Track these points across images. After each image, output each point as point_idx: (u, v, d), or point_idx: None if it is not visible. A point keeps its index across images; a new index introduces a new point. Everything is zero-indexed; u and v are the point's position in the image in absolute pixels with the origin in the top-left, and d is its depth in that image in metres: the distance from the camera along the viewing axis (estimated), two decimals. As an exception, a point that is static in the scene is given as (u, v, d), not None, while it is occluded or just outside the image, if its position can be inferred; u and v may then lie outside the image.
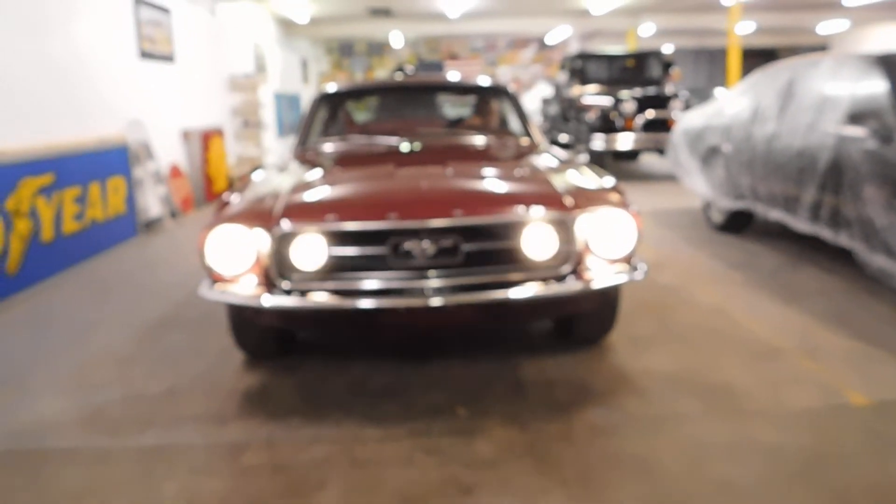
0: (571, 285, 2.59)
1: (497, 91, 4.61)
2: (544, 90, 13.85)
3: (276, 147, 12.52)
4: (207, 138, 8.41)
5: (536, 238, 2.59)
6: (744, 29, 13.89)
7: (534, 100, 13.92)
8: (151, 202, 6.81)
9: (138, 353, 3.48)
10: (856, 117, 4.01)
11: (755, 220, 5.51)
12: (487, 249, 2.60)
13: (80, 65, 5.77)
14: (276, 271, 2.58)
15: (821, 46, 20.86)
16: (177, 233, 6.79)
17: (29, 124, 4.94)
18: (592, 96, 9.83)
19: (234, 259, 2.62)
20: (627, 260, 2.76)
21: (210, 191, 8.51)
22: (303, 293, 2.56)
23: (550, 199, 2.66)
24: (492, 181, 3.00)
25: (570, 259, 2.63)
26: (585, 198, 2.70)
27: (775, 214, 4.80)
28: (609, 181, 3.05)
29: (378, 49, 18.17)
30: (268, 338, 3.10)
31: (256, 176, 3.41)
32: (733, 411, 2.66)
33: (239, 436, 2.59)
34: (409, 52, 18.23)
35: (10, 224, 4.44)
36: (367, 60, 18.32)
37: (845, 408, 2.66)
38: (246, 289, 2.61)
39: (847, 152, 3.95)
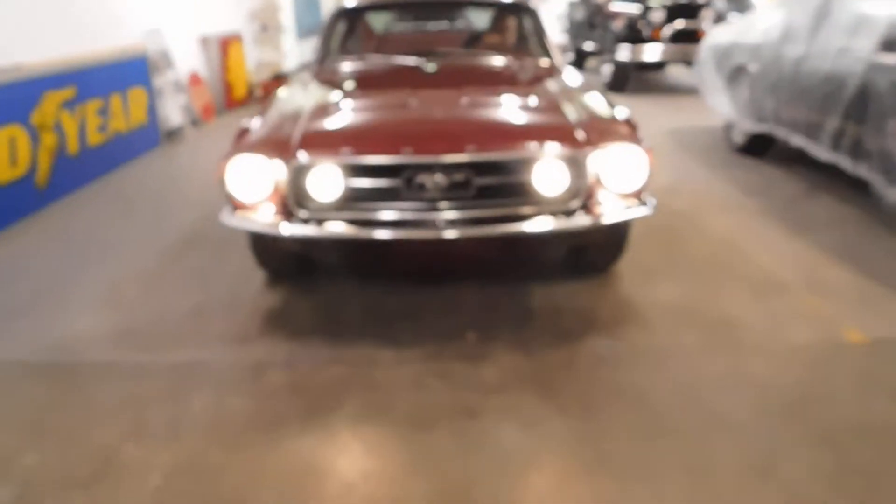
0: (581, 220, 2.66)
1: (518, 7, 4.49)
2: (572, -6, 13.27)
3: (295, 50, 12.30)
4: (226, 44, 8.30)
5: (548, 174, 2.63)
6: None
7: (559, 3, 13.38)
8: (172, 111, 6.84)
9: (164, 270, 3.64)
10: (891, 44, 3.87)
11: (776, 144, 5.44)
12: (499, 184, 2.65)
13: (95, -29, 5.66)
14: (293, 201, 2.66)
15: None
16: (198, 142, 6.86)
17: (48, 38, 4.92)
18: (620, 3, 9.46)
19: (253, 187, 2.70)
20: (638, 195, 2.80)
21: (230, 98, 8.49)
22: (319, 222, 2.65)
23: (563, 134, 2.68)
24: (505, 113, 3.00)
25: (581, 194, 2.68)
26: (598, 133, 2.71)
27: (796, 140, 4.73)
28: (622, 112, 3.04)
29: (400, -55, 17.39)
30: (287, 260, 3.23)
31: (277, 97, 3.44)
32: (732, 345, 2.77)
33: (261, 355, 2.76)
34: (433, -52, 17.43)
35: (37, 138, 4.53)
36: (389, -43, 17.58)
37: (841, 345, 2.76)
38: (265, 217, 2.71)
39: (876, 81, 3.85)
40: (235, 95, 8.63)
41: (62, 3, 5.18)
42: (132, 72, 5.96)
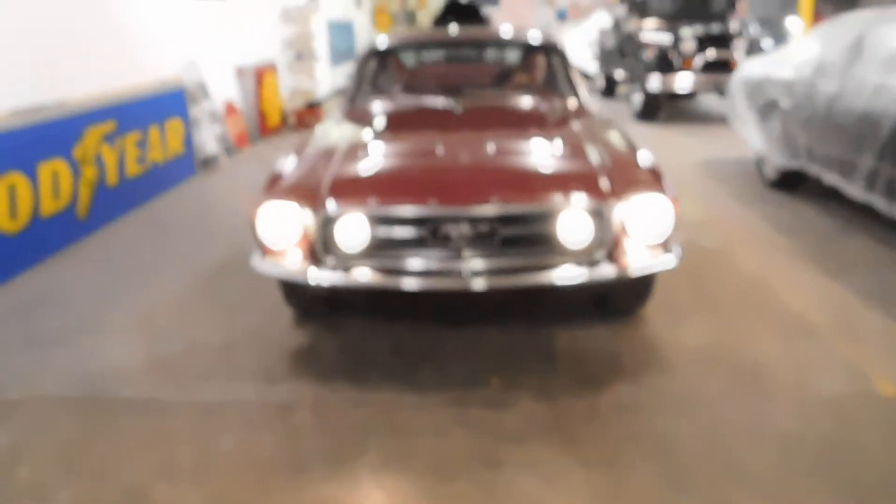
0: (606, 271, 2.67)
1: (547, 48, 4.54)
2: (602, 20, 13.32)
3: (328, 77, 12.54)
4: (261, 74, 8.51)
5: (572, 225, 2.66)
6: (823, -47, 12.96)
7: (591, 30, 13.43)
8: (208, 140, 7.02)
9: (197, 301, 3.74)
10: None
11: (808, 179, 5.37)
12: (524, 234, 2.68)
13: (135, 10, 5.88)
14: (321, 248, 2.73)
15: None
16: (233, 170, 7.02)
17: (90, 74, 5.12)
18: (651, 33, 9.46)
19: (282, 233, 2.78)
20: (664, 244, 2.80)
21: (264, 126, 8.68)
22: (346, 269, 2.71)
23: (587, 186, 2.70)
24: (530, 163, 3.03)
25: (606, 244, 2.69)
26: (623, 183, 2.73)
27: (830, 178, 4.68)
28: (647, 158, 3.05)
29: (433, -28, 17.67)
30: (315, 300, 3.30)
31: (311, 136, 3.54)
32: (759, 394, 2.73)
33: (288, 395, 2.82)
34: (465, -26, 17.66)
35: (79, 172, 4.69)
36: (422, -17, 17.87)
37: (872, 396, 2.71)
38: (293, 263, 2.77)
39: (911, 122, 3.80)
40: (269, 123, 8.82)
41: (105, 39, 5.39)
42: (170, 104, 6.15)
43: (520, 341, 3.20)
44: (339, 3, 13.79)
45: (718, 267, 4.03)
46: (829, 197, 5.10)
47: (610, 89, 11.81)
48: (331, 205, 2.69)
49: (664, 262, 2.78)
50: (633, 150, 3.18)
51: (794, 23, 15.45)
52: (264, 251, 2.86)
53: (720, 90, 8.87)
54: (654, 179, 2.82)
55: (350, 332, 3.34)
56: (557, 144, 3.16)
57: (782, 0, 20.86)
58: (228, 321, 3.48)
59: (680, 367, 2.95)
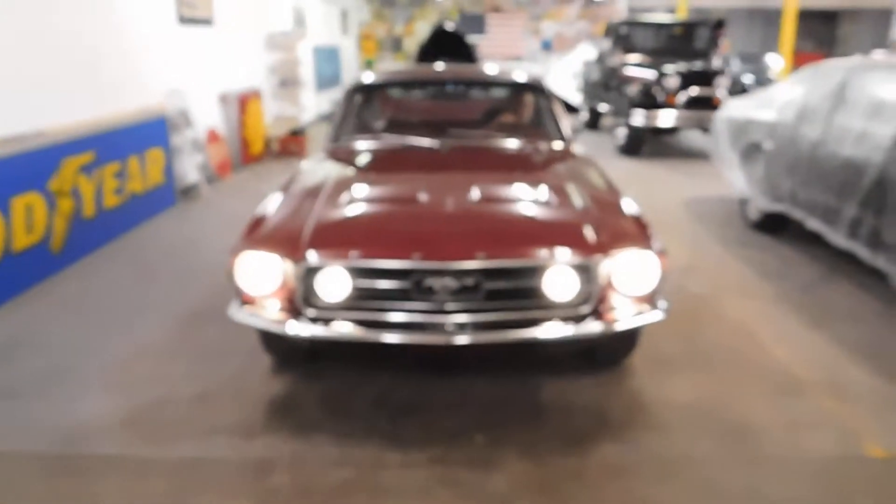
0: (592, 327, 2.62)
1: (533, 88, 4.53)
2: (587, 52, 13.47)
3: (314, 103, 12.51)
4: (245, 101, 8.45)
5: (559, 280, 2.61)
6: (802, -8, 13.20)
7: (575, 62, 13.57)
8: (189, 169, 6.92)
9: (174, 347, 3.62)
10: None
11: (792, 222, 5.39)
12: (509, 288, 2.63)
13: (118, 37, 5.80)
14: (301, 299, 2.65)
15: (885, 10, 19.81)
16: (213, 199, 6.91)
17: (69, 103, 5.02)
18: (635, 68, 9.56)
19: (261, 283, 2.70)
20: (650, 298, 2.76)
21: (246, 153, 8.60)
22: (327, 322, 2.64)
23: (574, 240, 2.66)
24: (516, 214, 2.98)
25: (592, 299, 2.65)
26: (610, 237, 2.70)
27: (813, 224, 4.69)
28: (632, 208, 3.03)
29: (420, 0, 17.82)
30: (294, 348, 3.20)
31: (295, 176, 3.47)
32: (748, 456, 2.68)
33: (266, 452, 2.71)
34: (452, 3, 17.84)
35: (54, 204, 4.58)
36: (409, 11, 17.99)
37: (861, 460, 2.67)
38: (272, 313, 2.69)
39: None
40: (252, 151, 8.74)
41: (86, 67, 5.29)
42: (151, 133, 6.06)
43: (506, 393, 3.13)
44: (325, 29, 13.83)
45: (704, 314, 4.00)
46: (813, 241, 5.11)
47: (594, 122, 11.90)
48: (312, 256, 2.62)
49: (651, 316, 2.74)
50: (618, 199, 3.16)
51: (773, 59, 15.77)
52: (243, 300, 2.78)
53: (703, 126, 8.98)
54: (641, 233, 2.79)
55: (331, 380, 3.25)
56: (543, 193, 3.11)
57: (762, 37, 21.35)
58: (206, 368, 3.37)
59: (668, 424, 2.89)
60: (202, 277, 4.55)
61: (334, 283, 2.62)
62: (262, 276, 2.69)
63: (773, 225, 5.51)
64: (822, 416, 2.96)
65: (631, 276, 2.68)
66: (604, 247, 2.64)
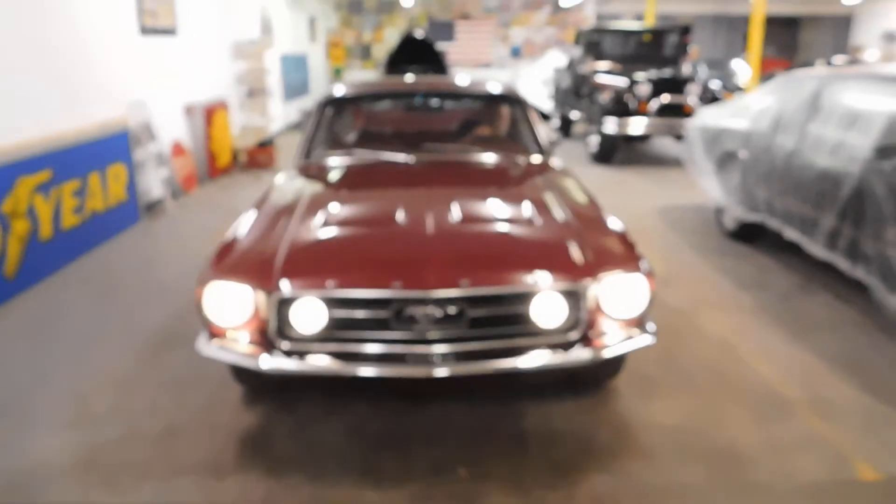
0: (580, 354, 2.52)
1: (509, 99, 4.44)
2: (557, 58, 13.49)
3: (282, 113, 12.30)
4: (211, 112, 8.23)
5: (546, 306, 2.50)
6: (766, -1, 13.19)
7: (545, 68, 13.57)
8: (153, 184, 6.69)
9: (137, 377, 3.43)
10: (889, 149, 3.80)
11: (768, 231, 5.38)
12: (494, 315, 2.51)
13: (77, 49, 5.57)
14: (274, 331, 2.50)
15: (844, 17, 20.25)
16: (179, 215, 6.69)
17: (24, 118, 4.79)
18: (606, 76, 9.56)
19: (231, 314, 2.55)
20: (639, 321, 2.68)
21: (213, 166, 8.38)
22: (302, 355, 2.49)
23: (561, 265, 2.56)
24: (500, 237, 2.85)
25: (580, 325, 2.55)
26: (598, 261, 2.60)
27: (790, 234, 4.67)
28: (616, 224, 2.95)
29: (388, 7, 17.66)
30: (266, 379, 3.05)
31: (266, 196, 3.34)
32: (738, 483, 2.60)
33: (236, 494, 2.55)
34: (421, 9, 17.73)
35: (8, 226, 4.35)
36: (377, 18, 17.83)
37: (853, 484, 2.61)
38: (243, 347, 2.54)
39: (874, 184, 3.79)
40: (219, 164, 8.52)
41: (40, 80, 5.06)
42: (112, 148, 5.83)
43: (487, 420, 3.01)
44: (292, 37, 13.62)
45: (685, 331, 3.93)
46: (789, 250, 5.10)
47: (565, 129, 11.89)
48: (285, 286, 2.47)
49: (640, 341, 2.65)
50: (603, 216, 3.07)
51: (739, 65, 15.97)
52: (211, 332, 2.62)
53: (675, 134, 9.00)
54: (629, 254, 2.70)
55: (305, 412, 3.09)
56: (526, 211, 3.00)
57: (726, 43, 21.65)
58: (171, 399, 3.20)
59: (656, 451, 2.80)
60: (167, 299, 4.36)
61: (309, 314, 2.48)
62: (232, 307, 2.53)
63: (750, 234, 5.50)
64: (810, 437, 2.90)
65: (619, 300, 2.58)
66: (592, 270, 2.54)
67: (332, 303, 2.47)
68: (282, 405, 3.13)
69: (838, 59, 15.64)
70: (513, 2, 17.78)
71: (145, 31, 6.78)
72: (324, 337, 2.50)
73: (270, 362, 2.48)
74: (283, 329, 2.51)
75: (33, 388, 3.33)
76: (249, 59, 9.95)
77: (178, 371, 3.46)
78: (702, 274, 4.92)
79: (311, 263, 2.61)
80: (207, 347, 2.58)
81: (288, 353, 2.50)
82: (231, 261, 2.65)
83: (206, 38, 8.59)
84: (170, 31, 7.39)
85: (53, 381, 3.38)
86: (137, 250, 5.58)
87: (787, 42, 22.45)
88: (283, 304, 2.48)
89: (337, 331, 2.51)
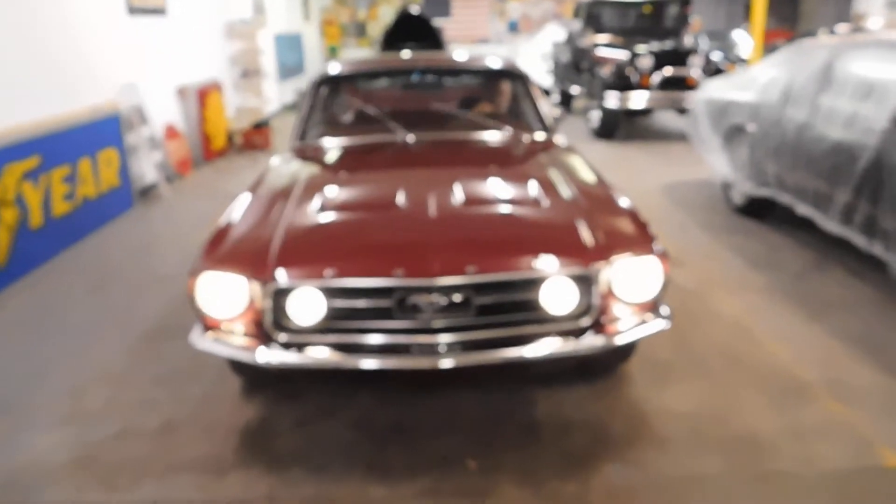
0: (593, 341, 2.40)
1: (510, 74, 4.28)
2: (556, 33, 13.23)
3: (277, 94, 12.09)
4: (204, 94, 8.04)
5: (556, 292, 2.38)
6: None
7: (544, 43, 13.32)
8: (147, 169, 6.54)
9: (133, 371, 3.32)
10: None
11: (778, 206, 5.24)
12: (502, 303, 2.39)
13: (62, 31, 5.39)
14: (271, 323, 2.38)
15: (847, -16, 19.86)
16: (174, 200, 6.55)
17: (10, 104, 4.63)
18: (607, 49, 9.35)
19: (226, 306, 2.42)
20: (653, 305, 2.56)
21: (208, 149, 8.21)
22: (300, 347, 2.38)
23: (572, 247, 2.43)
24: (507, 217, 2.71)
25: (592, 310, 2.42)
26: (610, 243, 2.47)
27: (803, 209, 4.54)
28: (626, 203, 2.83)
29: (383, -18, 17.34)
30: (265, 370, 2.94)
31: (261, 180, 3.21)
32: (758, 472, 2.50)
33: (237, 492, 2.45)
34: (415, -15, 17.39)
35: (-4, 215, 4.22)
36: (372, -6, 17.51)
37: (878, 471, 2.51)
38: (239, 339, 2.42)
39: (893, 157, 3.65)
40: (214, 146, 8.35)
41: (26, 63, 4.90)
42: (103, 132, 5.67)
43: (497, 409, 2.91)
44: (286, 16, 13.35)
45: (697, 312, 3.81)
46: (800, 225, 4.97)
47: (566, 104, 11.69)
48: (281, 276, 2.35)
49: (654, 326, 2.53)
50: (612, 195, 2.94)
51: (740, 36, 15.70)
52: (206, 324, 2.50)
53: (678, 107, 8.82)
54: (642, 235, 2.57)
55: (307, 403, 2.98)
56: (532, 192, 2.86)
57: (726, 14, 21.30)
58: (169, 393, 3.09)
59: (672, 439, 2.70)
60: (162, 287, 4.24)
61: (307, 304, 2.36)
62: (226, 298, 2.41)
63: (759, 209, 5.36)
64: (831, 422, 2.79)
65: (633, 283, 2.46)
66: (604, 253, 2.41)
67: (331, 292, 2.34)
68: (283, 397, 3.03)
69: (841, 27, 15.34)
70: (510, -25, 17.45)
71: (133, 11, 6.58)
72: (323, 328, 2.38)
73: (267, 355, 2.37)
74: (280, 320, 2.39)
75: (27, 382, 3.22)
76: (243, 39, 9.74)
77: (175, 363, 3.35)
78: (711, 252, 4.79)
79: (308, 251, 2.48)
80: (202, 340, 2.46)
81: (286, 346, 2.38)
82: (224, 250, 2.52)
83: (198, 17, 8.37)
84: (159, 11, 7.19)
85: (47, 376, 3.28)
86: (132, 237, 5.44)
87: (788, 12, 22.05)
88: (280, 294, 2.35)
89: (337, 321, 2.39)
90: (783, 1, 21.24)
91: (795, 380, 3.11)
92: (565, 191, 2.90)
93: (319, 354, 2.36)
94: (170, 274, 4.43)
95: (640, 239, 2.54)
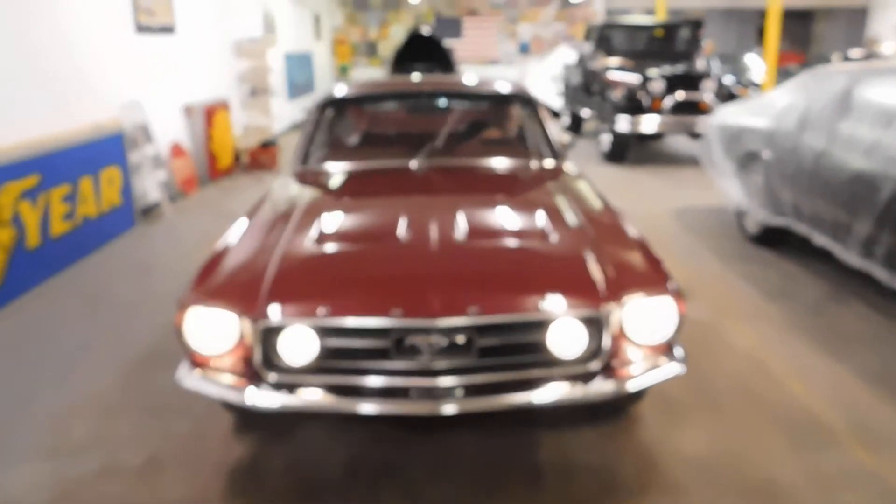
0: (602, 387, 2.25)
1: (519, 99, 4.17)
2: (567, 55, 13.18)
3: (286, 112, 12.07)
4: (211, 113, 7.99)
5: (564, 334, 2.24)
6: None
7: (554, 65, 13.27)
8: (150, 187, 6.46)
9: (122, 400, 3.19)
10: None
11: (793, 235, 5.08)
12: (506, 344, 2.25)
13: (68, 48, 5.34)
14: (261, 362, 2.25)
15: (859, 9, 19.82)
16: (177, 219, 6.46)
17: (10, 120, 4.56)
18: (619, 72, 9.26)
19: (214, 341, 2.29)
20: (667, 347, 2.41)
21: (214, 167, 8.15)
22: (291, 388, 2.24)
23: (582, 287, 2.29)
24: (513, 252, 2.57)
25: (602, 354, 2.28)
26: (621, 280, 2.33)
27: (820, 240, 4.38)
28: (638, 237, 2.70)
29: (394, 3, 17.39)
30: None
31: (259, 206, 3.10)
32: (780, 527, 2.34)
33: (222, 539, 2.31)
34: (427, 6, 17.44)
35: (-9, 236, 4.12)
36: (383, 15, 17.56)
37: (910, 528, 2.34)
38: (228, 378, 2.29)
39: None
40: (220, 165, 8.28)
41: (30, 81, 4.84)
42: (106, 150, 5.60)
43: (499, 451, 2.75)
44: (296, 35, 13.38)
45: (711, 345, 3.66)
46: (816, 255, 4.81)
47: (576, 127, 11.60)
48: (273, 312, 2.22)
49: (669, 370, 2.38)
50: (624, 229, 2.80)
51: (752, 59, 15.59)
52: (193, 360, 2.37)
53: (690, 132, 8.70)
54: (655, 272, 2.43)
55: (299, 443, 2.84)
56: (540, 225, 2.72)
57: (738, 37, 21.23)
58: (156, 426, 2.96)
59: (685, 486, 2.54)
60: (158, 312, 4.12)
61: (299, 343, 2.22)
62: (215, 334, 2.28)
63: (774, 238, 5.20)
64: (855, 470, 2.62)
65: (646, 324, 2.31)
66: (615, 292, 2.27)
67: (325, 331, 2.21)
68: (273, 434, 2.88)
69: (855, 52, 15.22)
70: (521, -3, 17.47)
71: (141, 29, 6.54)
72: (316, 368, 2.25)
73: (256, 397, 2.23)
74: (271, 359, 2.26)
75: (11, 412, 3.10)
76: (252, 57, 9.71)
77: (165, 394, 3.20)
78: (724, 281, 4.64)
79: (302, 287, 2.34)
80: (188, 378, 2.33)
81: (277, 386, 2.25)
82: (214, 283, 2.39)
83: (207, 36, 8.35)
84: (168, 29, 7.15)
85: (32, 405, 3.15)
86: (131, 258, 5.34)
87: (800, 36, 21.99)
88: (271, 332, 2.22)
89: (330, 361, 2.25)
90: (795, 24, 21.19)
91: (816, 422, 2.94)
92: (574, 223, 2.76)
93: (312, 397, 2.22)
94: (167, 297, 4.27)
95: (654, 277, 2.40)
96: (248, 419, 2.93)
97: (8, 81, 4.59)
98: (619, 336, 2.30)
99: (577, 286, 2.29)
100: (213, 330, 2.27)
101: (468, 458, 2.71)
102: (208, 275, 2.44)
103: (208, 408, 3.02)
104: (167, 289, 4.46)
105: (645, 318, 2.31)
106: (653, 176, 8.36)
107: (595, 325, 2.24)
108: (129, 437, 2.89)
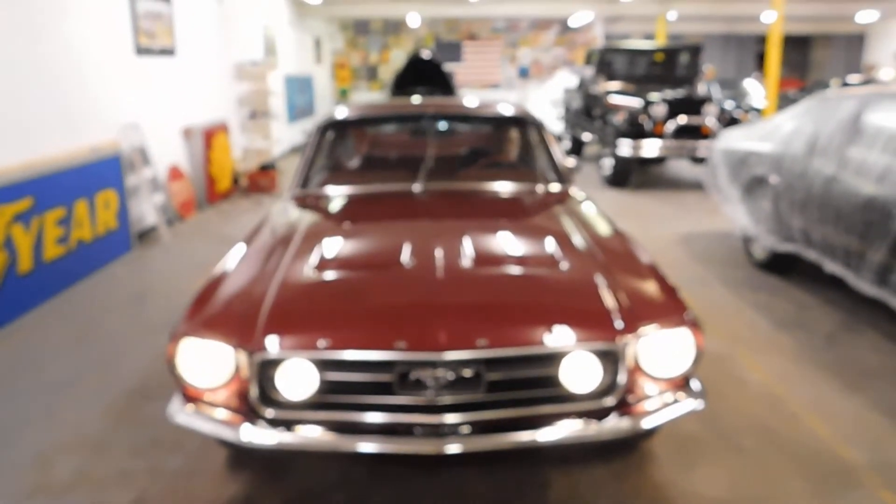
0: (617, 425, 2.13)
1: (524, 122, 4.08)
2: (567, 79, 13.19)
3: (286, 135, 12.02)
4: (210, 135, 7.92)
5: (576, 368, 2.12)
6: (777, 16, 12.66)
7: (555, 89, 13.27)
8: (147, 211, 6.36)
9: (109, 437, 3.04)
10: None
11: (801, 261, 4.98)
12: (516, 378, 2.12)
13: (68, 69, 5.27)
14: (257, 397, 2.12)
15: (857, 35, 19.96)
16: (174, 244, 6.34)
17: (5, 142, 4.46)
18: (620, 96, 9.22)
19: (208, 376, 2.17)
20: (684, 381, 2.29)
21: (212, 191, 8.05)
22: (289, 425, 2.11)
23: (596, 318, 2.17)
24: (521, 281, 2.45)
25: (617, 389, 2.16)
26: (636, 311, 2.21)
27: (831, 267, 4.28)
28: (652, 265, 2.59)
29: (395, 27, 17.45)
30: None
31: (257, 232, 2.99)
32: (807, 576, 2.20)
33: (212, 588, 2.16)
34: (427, 30, 17.51)
35: (-20, 261, 4.01)
36: (383, 39, 17.61)
37: (945, 578, 2.20)
38: (222, 413, 2.16)
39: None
40: (219, 188, 8.19)
41: (26, 103, 4.75)
42: (103, 173, 5.50)
43: (505, 490, 2.61)
44: (297, 58, 13.39)
45: (724, 378, 3.53)
46: (826, 282, 4.70)
47: (577, 151, 11.56)
48: (271, 345, 2.10)
49: (686, 406, 2.25)
50: (637, 256, 2.69)
51: (751, 85, 15.63)
52: (186, 394, 2.24)
53: (692, 156, 8.64)
54: (672, 302, 2.32)
55: (297, 480, 2.70)
56: (550, 252, 2.62)
57: (737, 61, 21.35)
58: (146, 464, 2.81)
59: (704, 531, 2.40)
60: (152, 341, 3.99)
61: (298, 377, 2.10)
62: (208, 367, 2.16)
63: (782, 265, 5.10)
64: (884, 515, 2.49)
65: (662, 357, 2.20)
66: (630, 324, 2.15)
67: (325, 365, 2.09)
68: (269, 472, 2.74)
69: (853, 78, 15.27)
70: (520, 22, 17.54)
71: (141, 51, 6.49)
72: (315, 403, 2.12)
73: (252, 434, 2.10)
74: (268, 394, 2.13)
75: (-6, 447, 2.95)
76: (252, 79, 9.68)
77: (156, 428, 3.07)
78: (734, 310, 4.52)
79: (301, 318, 2.22)
80: (181, 414, 2.20)
81: (273, 423, 2.12)
82: (209, 313, 2.27)
83: (207, 59, 8.31)
84: (168, 52, 7.11)
85: (17, 440, 3.01)
86: (125, 283, 5.22)
87: (798, 61, 22.14)
88: (268, 365, 2.10)
89: (330, 396, 2.13)
90: (793, 50, 21.33)
91: (838, 461, 2.81)
92: (585, 250, 2.66)
93: (310, 434, 2.09)
94: (161, 325, 4.18)
95: (671, 307, 2.28)
96: (242, 455, 2.79)
97: (4, 103, 4.51)
98: (635, 369, 2.18)
99: (591, 317, 2.17)
100: (207, 362, 2.15)
101: (473, 497, 2.57)
102: (203, 304, 2.32)
103: (201, 443, 2.89)
104: (161, 318, 4.34)
105: (662, 350, 2.19)
106: (655, 200, 8.28)
107: (610, 358, 2.13)
108: (117, 475, 2.75)
